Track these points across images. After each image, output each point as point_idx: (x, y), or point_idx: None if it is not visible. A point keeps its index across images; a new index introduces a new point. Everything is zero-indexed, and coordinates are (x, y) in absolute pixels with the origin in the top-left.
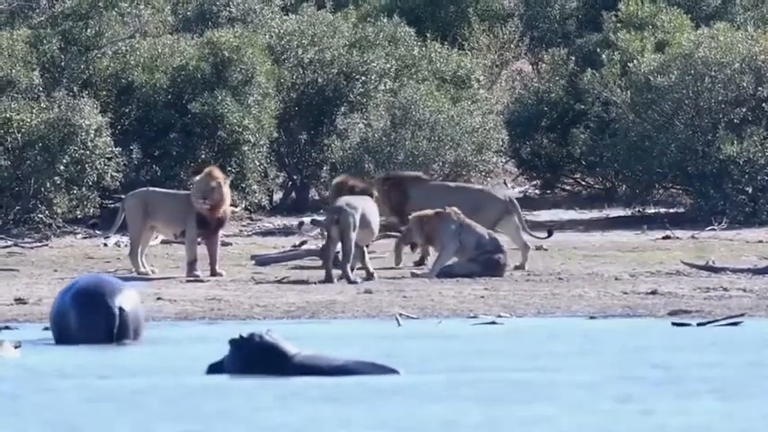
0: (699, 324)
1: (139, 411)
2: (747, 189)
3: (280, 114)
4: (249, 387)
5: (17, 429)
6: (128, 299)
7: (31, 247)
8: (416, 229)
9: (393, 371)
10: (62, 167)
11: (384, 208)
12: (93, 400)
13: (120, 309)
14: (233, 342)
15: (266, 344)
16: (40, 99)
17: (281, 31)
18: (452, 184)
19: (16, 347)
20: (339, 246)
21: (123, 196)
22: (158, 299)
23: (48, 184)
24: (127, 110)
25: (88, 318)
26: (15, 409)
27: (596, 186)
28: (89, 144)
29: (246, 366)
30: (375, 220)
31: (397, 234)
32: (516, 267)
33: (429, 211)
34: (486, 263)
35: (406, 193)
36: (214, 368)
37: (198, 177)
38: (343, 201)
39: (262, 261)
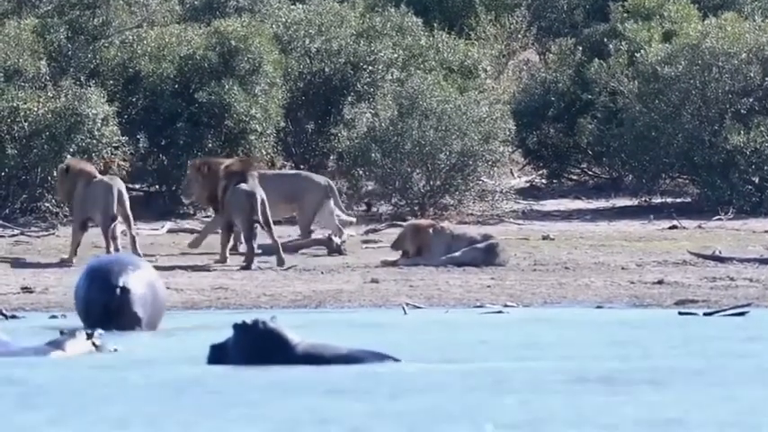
0: (705, 314)
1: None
2: (754, 179)
3: (287, 104)
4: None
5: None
6: (138, 279)
7: (38, 236)
8: (409, 238)
9: (395, 360)
10: (69, 156)
11: (200, 192)
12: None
13: (123, 287)
14: (237, 326)
15: (270, 331)
16: (47, 88)
17: (289, 20)
18: (270, 171)
19: (89, 338)
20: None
21: (130, 185)
22: (165, 288)
23: (54, 173)
24: (134, 99)
25: (90, 293)
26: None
27: (603, 176)
28: (96, 133)
29: (249, 353)
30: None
31: (402, 224)
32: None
33: (424, 222)
34: (485, 248)
35: (221, 180)
36: (216, 349)
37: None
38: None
39: (268, 250)
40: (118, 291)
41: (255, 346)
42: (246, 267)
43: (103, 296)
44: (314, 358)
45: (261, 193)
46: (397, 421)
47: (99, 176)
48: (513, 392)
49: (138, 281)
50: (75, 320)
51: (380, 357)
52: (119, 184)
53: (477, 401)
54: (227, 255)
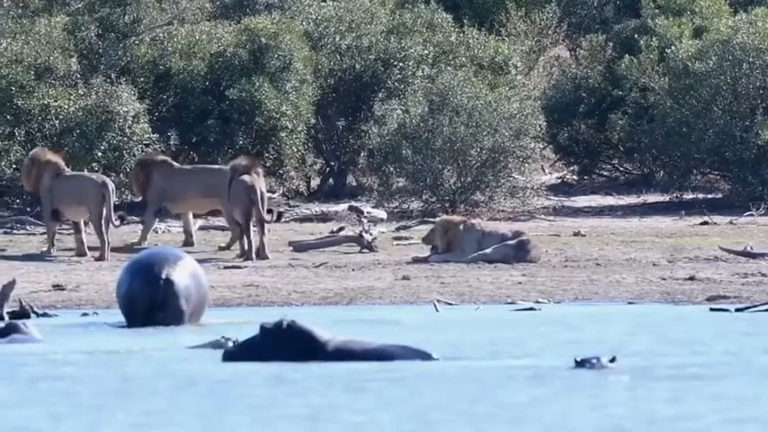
0: (737, 310)
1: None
2: None
3: (317, 101)
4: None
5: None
6: (181, 272)
7: (69, 234)
8: (440, 233)
9: (428, 356)
10: (100, 154)
11: (134, 186)
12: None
13: (166, 279)
14: (264, 328)
15: (300, 330)
16: (78, 86)
17: (319, 17)
18: (190, 167)
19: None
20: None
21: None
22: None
23: (85, 171)
24: (164, 96)
25: (133, 286)
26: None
27: (634, 172)
28: (127, 131)
29: (279, 352)
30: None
31: (433, 221)
32: (221, 248)
33: (456, 218)
34: (516, 245)
35: (149, 175)
36: (230, 355)
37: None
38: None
39: (299, 247)
40: (162, 283)
41: (286, 345)
42: (248, 259)
43: (148, 290)
44: (346, 355)
45: (261, 187)
46: (434, 418)
47: (68, 170)
48: (549, 389)
49: (182, 273)
50: (106, 317)
51: (415, 353)
52: (110, 183)
53: (516, 399)
54: (244, 246)
